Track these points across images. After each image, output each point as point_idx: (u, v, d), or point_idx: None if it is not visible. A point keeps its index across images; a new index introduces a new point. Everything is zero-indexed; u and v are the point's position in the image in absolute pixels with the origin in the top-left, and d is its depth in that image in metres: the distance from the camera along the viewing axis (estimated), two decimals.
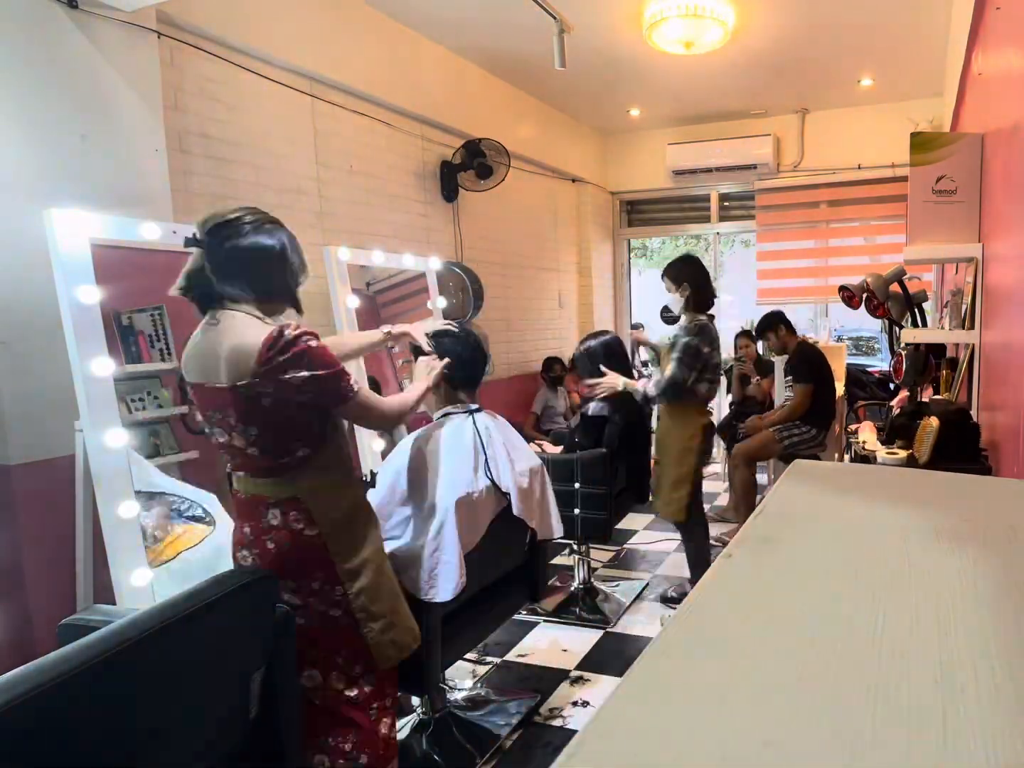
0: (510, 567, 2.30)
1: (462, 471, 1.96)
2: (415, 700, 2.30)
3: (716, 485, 5.61)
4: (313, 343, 1.50)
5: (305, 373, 1.47)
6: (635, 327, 8.31)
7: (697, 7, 3.64)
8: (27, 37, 2.16)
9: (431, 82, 4.21)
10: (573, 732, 2.24)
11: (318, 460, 1.59)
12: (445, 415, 2.11)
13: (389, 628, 1.65)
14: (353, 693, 1.64)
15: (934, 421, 2.24)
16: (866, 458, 2.53)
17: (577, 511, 3.02)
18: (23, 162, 2.15)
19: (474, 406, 2.15)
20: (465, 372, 2.13)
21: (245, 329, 1.49)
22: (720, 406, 6.38)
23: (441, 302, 3.80)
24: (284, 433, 1.54)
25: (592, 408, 3.12)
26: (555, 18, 3.36)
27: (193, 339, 1.57)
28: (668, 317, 7.57)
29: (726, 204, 6.54)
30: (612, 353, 3.19)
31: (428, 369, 1.99)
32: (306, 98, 3.39)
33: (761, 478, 5.52)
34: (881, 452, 2.43)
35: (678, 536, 4.26)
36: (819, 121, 5.83)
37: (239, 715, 1.20)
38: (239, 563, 1.61)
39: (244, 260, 1.52)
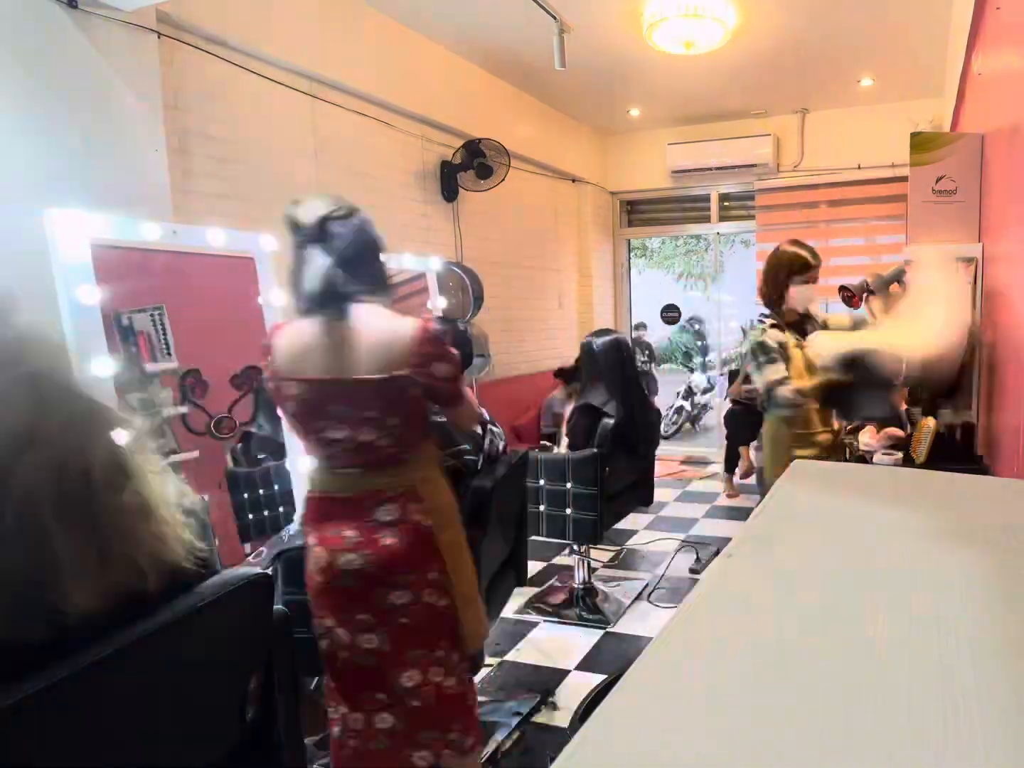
0: (505, 556, 2.31)
1: None
2: None
3: (716, 485, 5.61)
4: (447, 344, 1.55)
5: (447, 368, 1.52)
6: (638, 327, 8.33)
7: (697, 7, 3.64)
8: (27, 37, 2.16)
9: (431, 82, 4.21)
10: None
11: (428, 451, 1.62)
12: None
13: (479, 612, 1.69)
14: (452, 682, 1.63)
15: (931, 422, 2.24)
16: (863, 458, 2.53)
17: (569, 511, 3.02)
18: (23, 162, 2.15)
19: None
20: None
21: (389, 321, 1.52)
22: (720, 405, 6.39)
23: (441, 302, 3.80)
24: (419, 424, 1.57)
25: (597, 400, 3.12)
26: (555, 18, 3.36)
27: (302, 335, 1.54)
28: (669, 317, 7.61)
29: (726, 204, 6.54)
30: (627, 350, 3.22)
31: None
32: (306, 98, 3.39)
33: None
34: (878, 452, 2.43)
35: (678, 536, 4.27)
36: (819, 121, 5.83)
37: (236, 716, 1.20)
38: (340, 569, 1.54)
39: (372, 253, 1.58)
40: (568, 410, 3.39)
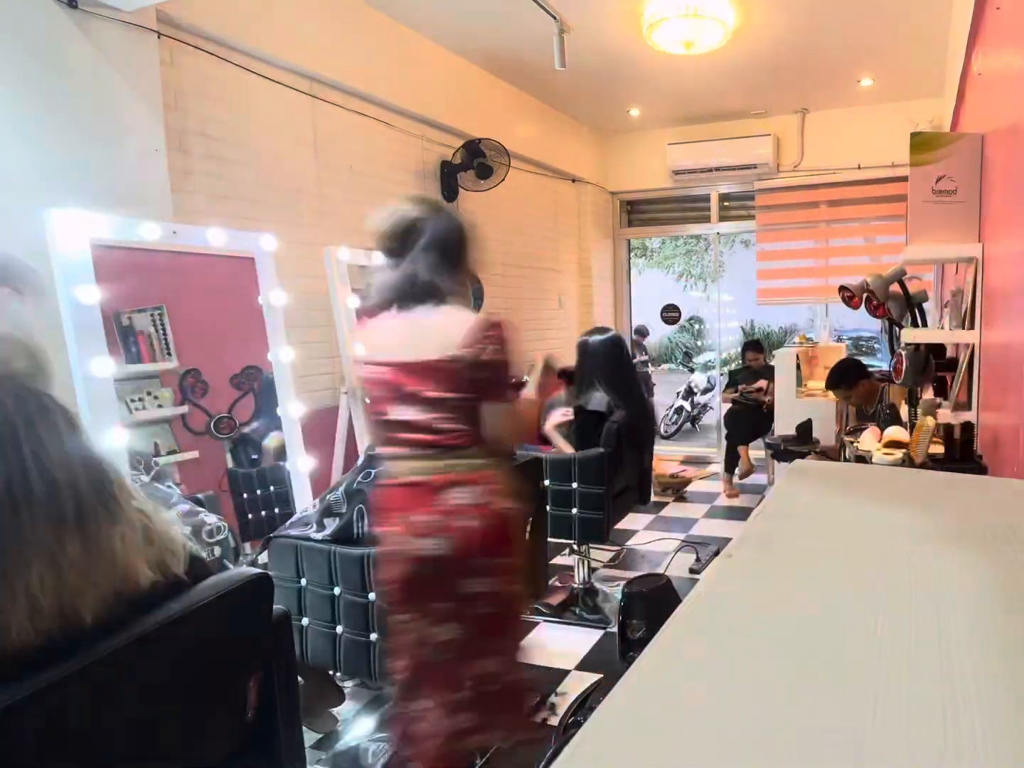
0: None
1: None
2: None
3: (716, 485, 5.61)
4: (509, 335, 1.60)
5: (492, 348, 1.55)
6: (639, 332, 8.31)
7: (697, 7, 3.63)
8: (27, 37, 2.16)
9: (431, 82, 4.21)
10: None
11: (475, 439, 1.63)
12: None
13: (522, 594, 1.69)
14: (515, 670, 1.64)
15: (930, 421, 2.24)
16: (863, 458, 2.53)
17: (575, 511, 3.02)
18: (23, 162, 2.15)
19: None
20: None
21: (465, 315, 1.61)
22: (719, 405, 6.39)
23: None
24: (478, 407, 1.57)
25: (593, 402, 3.11)
26: (555, 18, 3.36)
27: (390, 327, 1.62)
28: (669, 317, 7.61)
29: (726, 204, 6.54)
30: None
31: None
32: (306, 98, 3.39)
33: (761, 478, 5.53)
34: (877, 452, 2.43)
35: (678, 536, 4.27)
36: (819, 121, 5.83)
37: (236, 717, 1.20)
38: (418, 553, 1.52)
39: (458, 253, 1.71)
40: (557, 414, 3.38)
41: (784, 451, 4.07)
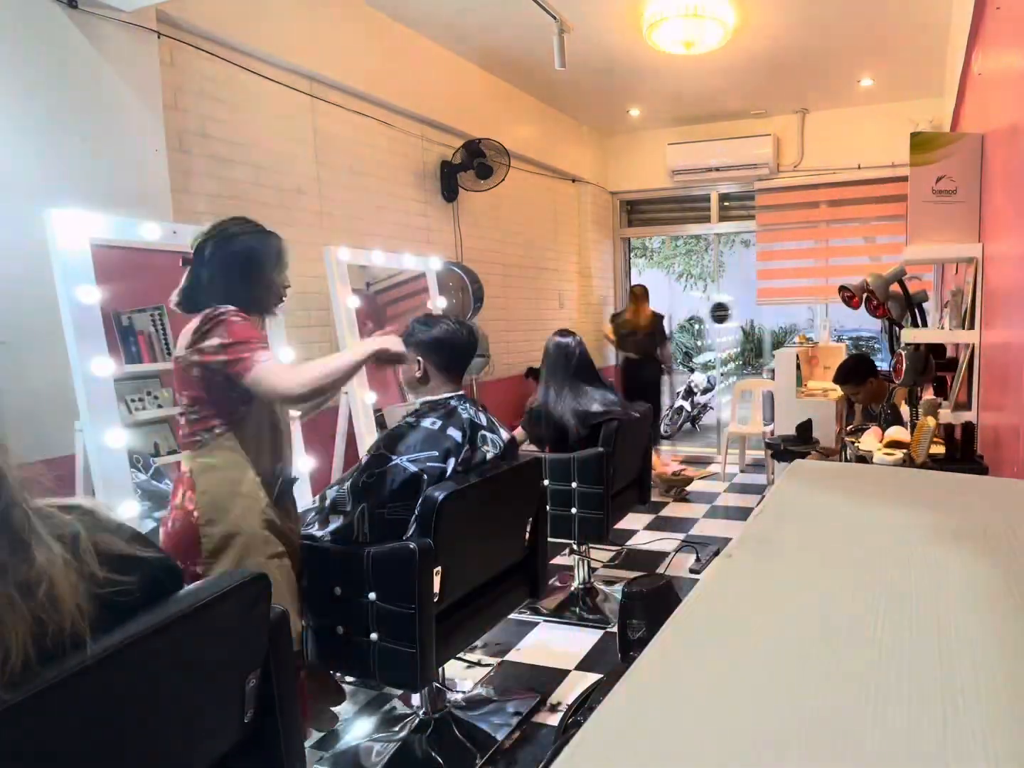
0: (508, 563, 2.30)
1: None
2: (415, 700, 2.30)
3: (716, 485, 5.61)
4: (235, 319, 1.63)
5: (216, 341, 1.60)
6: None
7: (697, 7, 3.64)
8: (27, 37, 2.16)
9: (431, 82, 4.21)
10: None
11: (226, 440, 1.68)
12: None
13: None
14: None
15: (931, 421, 2.24)
16: (863, 458, 2.53)
17: (574, 510, 3.02)
18: (23, 162, 2.15)
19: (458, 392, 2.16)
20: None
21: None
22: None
23: (441, 302, 3.80)
24: (204, 406, 1.66)
25: (538, 400, 3.17)
26: (555, 18, 3.36)
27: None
28: (719, 316, 7.54)
29: (726, 204, 6.54)
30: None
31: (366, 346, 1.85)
32: (306, 98, 3.39)
33: (760, 478, 5.54)
34: (877, 452, 2.43)
35: (678, 536, 4.27)
36: (819, 121, 5.83)
37: (234, 717, 1.20)
38: None
39: (218, 277, 1.70)
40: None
41: (784, 451, 4.06)
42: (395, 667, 1.83)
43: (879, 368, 4.07)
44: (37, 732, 0.88)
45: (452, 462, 1.98)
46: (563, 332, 3.35)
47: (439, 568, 1.86)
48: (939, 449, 2.28)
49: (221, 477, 1.66)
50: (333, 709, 2.31)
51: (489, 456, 2.12)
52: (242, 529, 1.68)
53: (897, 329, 3.31)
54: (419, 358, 2.10)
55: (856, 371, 3.82)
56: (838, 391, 4.73)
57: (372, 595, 1.85)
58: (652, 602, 2.23)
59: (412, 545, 1.80)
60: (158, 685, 1.04)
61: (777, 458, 4.45)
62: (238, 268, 1.72)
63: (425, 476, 1.94)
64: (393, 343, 1.86)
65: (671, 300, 14.30)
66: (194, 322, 1.64)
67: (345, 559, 1.89)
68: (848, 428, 3.69)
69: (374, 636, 1.85)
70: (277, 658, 1.27)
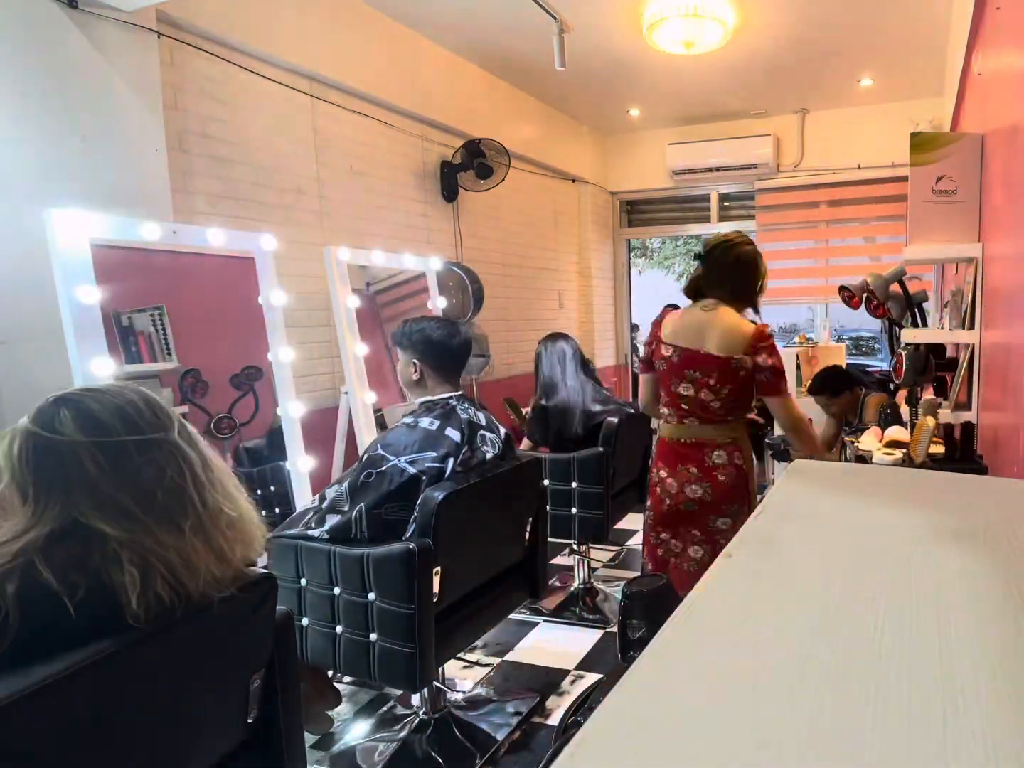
0: (508, 563, 2.30)
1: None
2: (415, 700, 2.30)
3: None
4: (775, 345, 2.08)
5: (769, 361, 2.05)
6: (636, 328, 8.31)
7: (697, 7, 3.64)
8: (27, 37, 2.16)
9: (431, 82, 4.21)
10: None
11: (743, 417, 2.20)
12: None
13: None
14: None
15: (930, 421, 2.24)
16: (863, 458, 2.53)
17: (574, 510, 3.02)
18: (23, 162, 2.15)
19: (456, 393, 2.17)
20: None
21: (734, 319, 2.08)
22: None
23: (441, 302, 3.80)
24: (745, 396, 2.12)
25: (536, 398, 3.21)
26: (555, 18, 3.36)
27: (682, 316, 2.15)
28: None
29: (726, 204, 6.54)
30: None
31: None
32: (306, 98, 3.39)
33: (760, 477, 5.53)
34: (877, 452, 2.43)
35: None
36: (819, 121, 5.83)
37: (238, 717, 1.20)
38: (686, 497, 2.14)
39: (729, 273, 2.13)
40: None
41: (784, 451, 4.06)
42: (395, 667, 1.83)
43: (874, 368, 4.07)
44: (41, 729, 0.88)
45: (451, 462, 1.99)
46: (557, 335, 3.40)
47: (438, 568, 1.86)
48: (939, 449, 2.27)
49: (749, 445, 2.23)
50: (329, 713, 2.31)
51: (488, 456, 2.12)
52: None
53: (897, 329, 3.31)
54: (414, 360, 2.11)
55: (832, 382, 3.81)
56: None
57: (371, 595, 1.85)
58: (652, 602, 2.23)
59: (411, 545, 1.79)
60: (163, 684, 1.04)
61: (777, 458, 4.45)
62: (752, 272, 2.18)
63: (424, 477, 1.94)
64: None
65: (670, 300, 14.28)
66: (745, 330, 2.05)
67: (344, 559, 1.89)
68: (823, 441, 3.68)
69: (373, 636, 1.85)
70: (282, 658, 1.28)
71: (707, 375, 2.06)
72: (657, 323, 2.24)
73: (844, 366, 4.91)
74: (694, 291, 2.18)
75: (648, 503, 2.30)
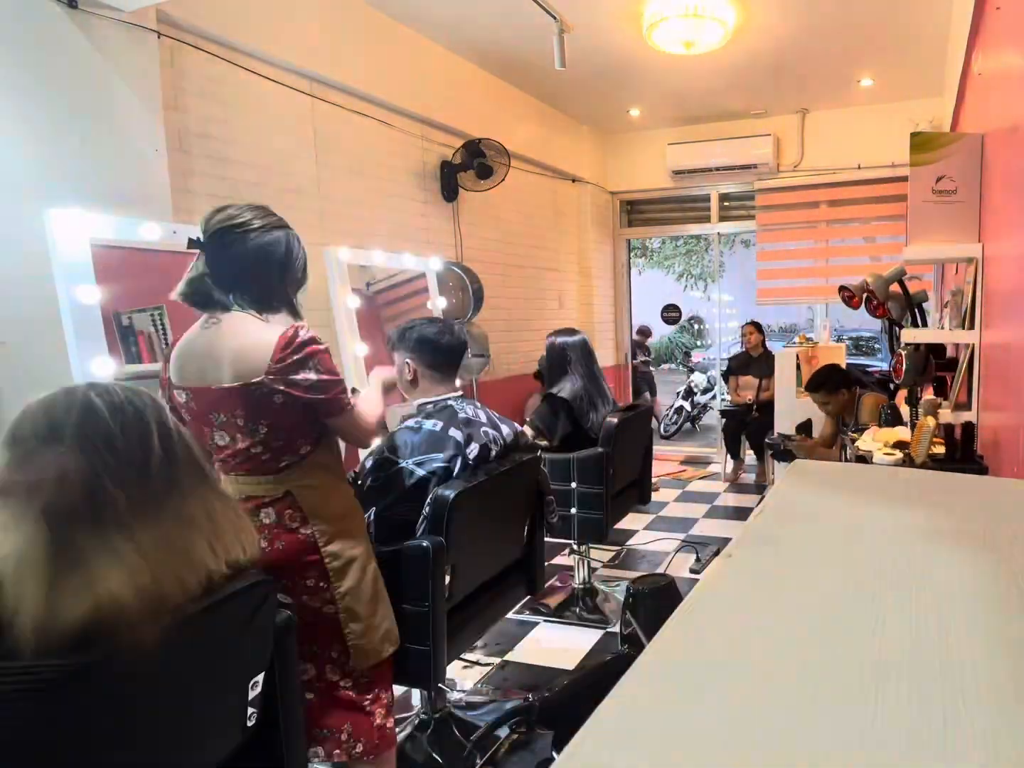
0: (508, 561, 2.30)
1: None
2: (415, 700, 2.30)
3: (716, 485, 5.61)
4: (322, 348, 1.55)
5: (313, 376, 1.51)
6: (641, 331, 8.31)
7: (697, 7, 3.63)
8: (27, 37, 2.16)
9: (431, 82, 4.21)
10: None
11: (315, 459, 1.62)
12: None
13: (368, 631, 1.66)
14: (348, 684, 1.66)
15: (931, 421, 2.24)
16: (863, 458, 2.53)
17: (574, 511, 3.03)
18: (23, 162, 2.15)
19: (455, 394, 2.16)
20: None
21: (253, 329, 1.53)
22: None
23: (441, 302, 3.80)
24: (292, 432, 1.57)
25: (566, 391, 3.16)
26: (555, 18, 3.36)
27: (187, 342, 1.58)
28: (669, 317, 7.61)
29: (726, 204, 6.54)
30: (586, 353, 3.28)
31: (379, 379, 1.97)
32: (306, 98, 3.39)
33: (760, 477, 5.54)
34: (877, 452, 2.43)
35: (678, 536, 4.27)
36: (819, 121, 5.83)
37: (239, 719, 1.20)
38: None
39: (243, 268, 1.54)
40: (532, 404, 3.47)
41: (785, 451, 4.06)
42: (407, 666, 1.85)
43: (874, 368, 4.07)
44: (39, 730, 0.88)
45: (458, 461, 2.00)
46: (574, 330, 3.38)
47: (450, 566, 1.88)
48: (939, 449, 2.28)
49: (324, 497, 1.63)
50: None
51: (493, 453, 2.13)
52: (359, 542, 1.68)
53: (897, 329, 3.31)
54: (407, 361, 2.12)
55: (829, 380, 3.81)
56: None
57: None
58: (656, 601, 2.23)
59: (425, 543, 1.82)
60: (162, 686, 1.04)
61: (777, 458, 4.45)
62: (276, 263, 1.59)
63: (433, 477, 1.96)
64: (388, 371, 2.01)
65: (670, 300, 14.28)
66: (266, 340, 1.50)
67: None
68: (815, 440, 3.68)
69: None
70: (282, 660, 1.27)
71: (232, 416, 1.52)
72: (165, 361, 1.65)
73: (844, 366, 4.91)
74: (203, 298, 1.55)
75: None
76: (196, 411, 1.57)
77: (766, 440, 4.93)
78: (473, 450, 2.05)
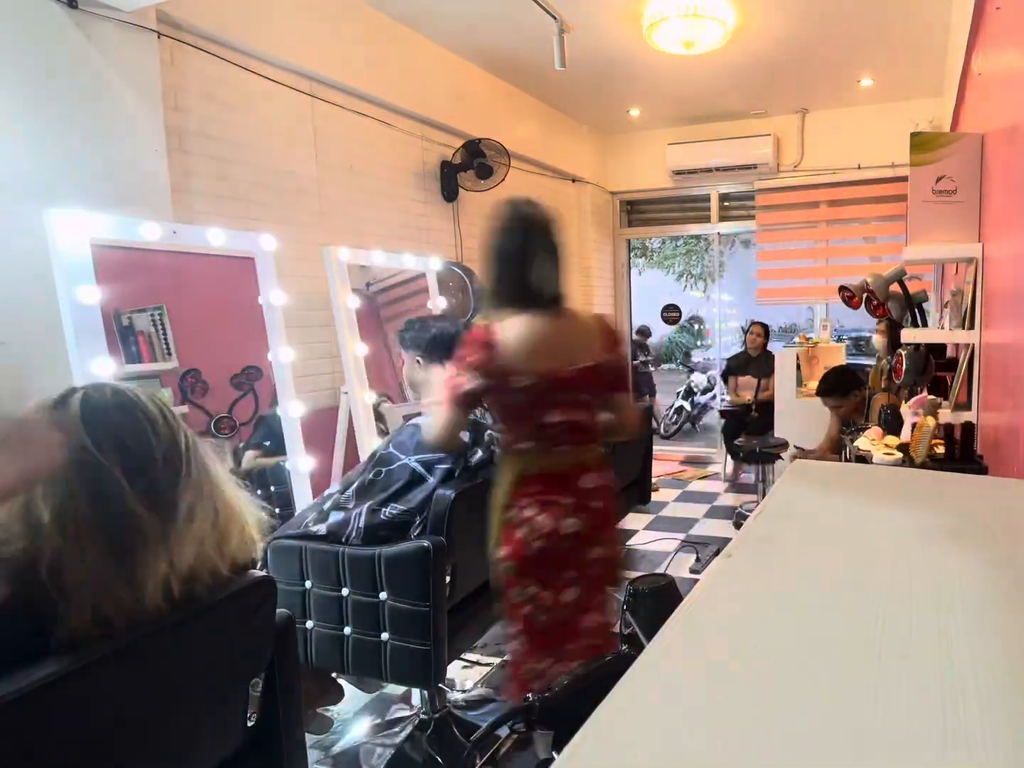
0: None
1: None
2: (415, 700, 2.30)
3: (716, 485, 5.61)
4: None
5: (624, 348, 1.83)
6: (641, 332, 8.31)
7: (697, 7, 3.63)
8: (27, 37, 2.16)
9: (431, 82, 4.21)
10: None
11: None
12: None
13: None
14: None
15: (930, 421, 2.24)
16: (863, 458, 2.53)
17: None
18: (23, 162, 2.15)
19: None
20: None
21: (585, 319, 1.81)
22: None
23: (441, 302, 3.80)
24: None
25: None
26: (555, 18, 3.36)
27: (532, 334, 1.67)
28: (669, 317, 7.60)
29: (726, 204, 6.54)
30: None
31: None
32: (306, 98, 3.39)
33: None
34: (878, 452, 2.43)
35: (678, 536, 4.27)
36: (819, 121, 5.82)
37: (238, 720, 1.20)
38: (562, 533, 1.69)
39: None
40: None
41: (754, 452, 4.06)
42: (408, 665, 1.86)
43: (873, 368, 4.06)
44: (40, 730, 0.88)
45: (461, 462, 2.00)
46: None
47: (450, 565, 1.88)
48: (939, 449, 2.27)
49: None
50: (329, 713, 2.31)
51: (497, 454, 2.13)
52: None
53: (897, 329, 3.31)
54: (418, 359, 2.11)
55: (840, 384, 3.81)
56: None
57: (383, 595, 1.86)
58: (656, 601, 2.23)
59: (426, 543, 1.82)
60: (163, 685, 1.04)
61: (745, 461, 4.45)
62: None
63: (432, 477, 1.95)
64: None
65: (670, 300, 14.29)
66: (591, 330, 1.78)
67: (353, 560, 1.89)
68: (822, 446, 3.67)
69: (385, 636, 1.87)
70: (282, 661, 1.27)
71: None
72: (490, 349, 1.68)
73: (846, 365, 4.91)
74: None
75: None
76: (544, 392, 1.68)
77: (735, 442, 4.90)
78: (476, 452, 2.05)
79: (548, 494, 1.71)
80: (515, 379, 1.65)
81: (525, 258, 1.68)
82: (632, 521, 4.42)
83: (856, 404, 3.77)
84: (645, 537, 4.31)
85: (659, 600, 2.16)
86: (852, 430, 3.22)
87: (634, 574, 3.65)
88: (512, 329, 1.67)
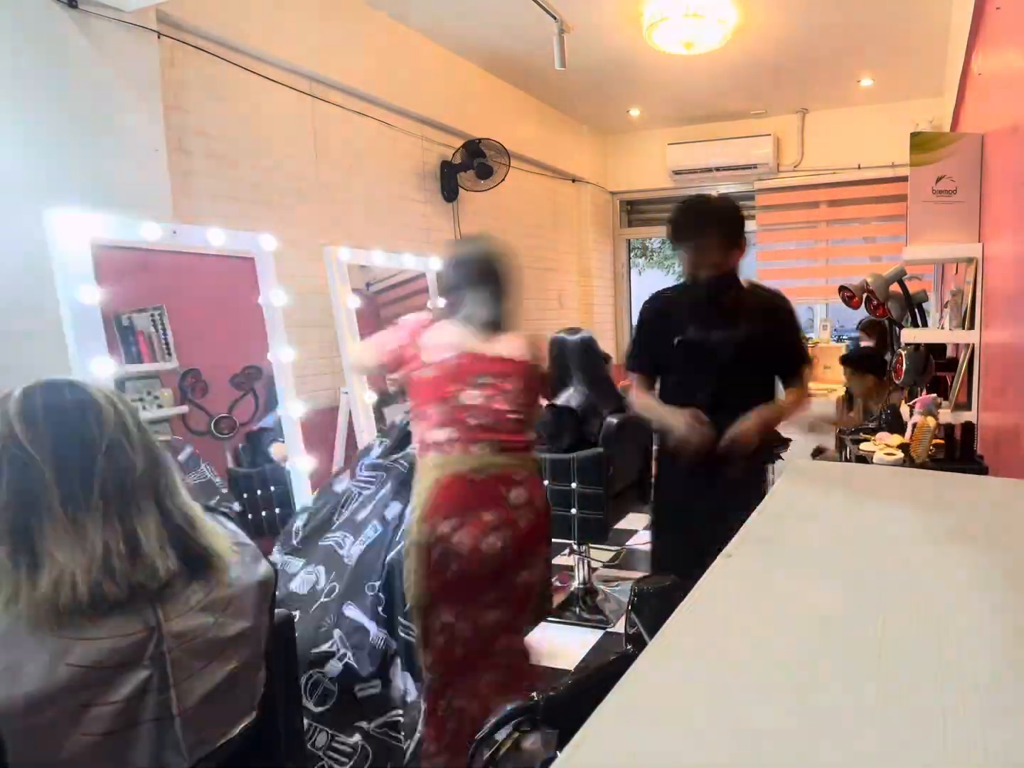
0: None
1: None
2: (413, 698, 2.29)
3: None
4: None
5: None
6: None
7: (697, 7, 3.63)
8: (27, 37, 2.16)
9: (431, 82, 4.21)
10: None
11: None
12: None
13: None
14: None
15: (931, 421, 2.24)
16: (863, 458, 2.53)
17: (574, 511, 3.02)
18: (23, 162, 2.15)
19: None
20: None
21: (520, 336, 1.95)
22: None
23: (441, 302, 3.80)
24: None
25: (562, 398, 3.14)
26: (555, 18, 3.36)
27: (453, 334, 1.81)
28: None
29: None
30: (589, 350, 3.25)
31: None
32: (306, 98, 3.39)
33: None
34: (878, 452, 2.43)
35: None
36: (819, 121, 5.82)
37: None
38: (483, 553, 1.67)
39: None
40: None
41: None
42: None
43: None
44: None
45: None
46: (575, 329, 3.34)
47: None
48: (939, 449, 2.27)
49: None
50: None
51: None
52: None
53: (897, 329, 3.31)
54: None
55: (860, 361, 3.90)
56: (839, 391, 4.74)
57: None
58: (660, 602, 2.23)
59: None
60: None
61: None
62: None
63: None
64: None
65: None
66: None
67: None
68: (850, 428, 3.68)
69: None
70: (282, 659, 1.27)
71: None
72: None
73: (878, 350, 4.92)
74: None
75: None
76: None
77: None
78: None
79: (468, 507, 1.61)
80: (426, 355, 1.75)
81: (458, 291, 1.86)
82: (632, 521, 4.42)
83: (868, 388, 3.84)
84: (645, 537, 4.31)
85: (663, 600, 2.17)
86: (874, 418, 3.24)
87: (634, 574, 3.66)
88: (439, 329, 1.81)
